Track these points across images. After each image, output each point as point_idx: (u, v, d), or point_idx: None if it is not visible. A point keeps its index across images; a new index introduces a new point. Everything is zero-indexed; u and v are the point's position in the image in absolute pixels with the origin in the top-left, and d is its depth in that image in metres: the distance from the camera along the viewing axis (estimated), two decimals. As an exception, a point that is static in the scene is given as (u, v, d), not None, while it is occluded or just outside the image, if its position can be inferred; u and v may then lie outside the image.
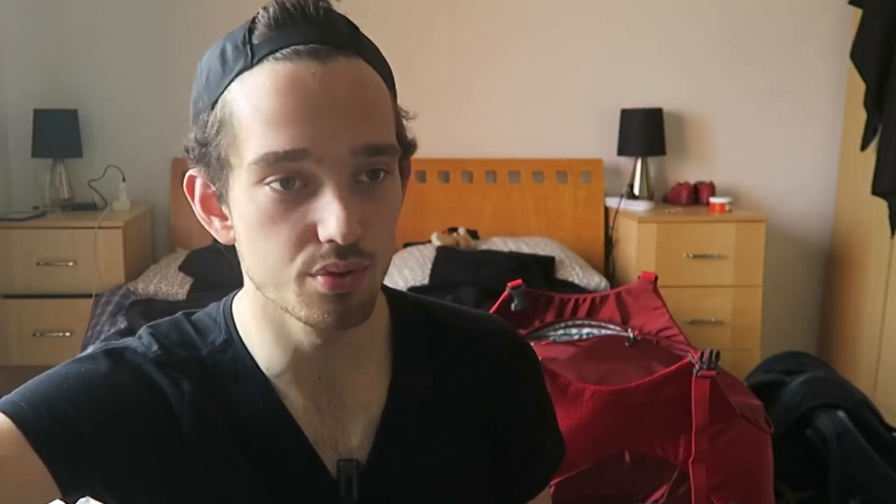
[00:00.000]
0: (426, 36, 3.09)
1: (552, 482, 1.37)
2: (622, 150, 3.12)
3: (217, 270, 2.36)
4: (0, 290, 2.68)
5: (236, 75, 0.60)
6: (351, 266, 0.60)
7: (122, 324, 2.29)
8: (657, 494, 1.45)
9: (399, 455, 0.70)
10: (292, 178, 0.59)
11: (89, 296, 2.60)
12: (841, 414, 1.85)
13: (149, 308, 2.35)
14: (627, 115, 3.07)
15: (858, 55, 2.82)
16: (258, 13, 0.61)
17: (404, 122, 0.67)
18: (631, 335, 1.76)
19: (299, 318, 0.62)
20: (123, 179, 2.91)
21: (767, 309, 2.92)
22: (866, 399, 1.96)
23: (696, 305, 2.80)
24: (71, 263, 2.67)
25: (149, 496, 0.65)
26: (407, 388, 0.72)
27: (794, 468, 1.82)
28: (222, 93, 0.61)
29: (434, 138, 3.08)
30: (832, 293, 3.21)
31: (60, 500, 0.61)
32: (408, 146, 0.67)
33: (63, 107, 2.93)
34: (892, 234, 2.71)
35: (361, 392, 0.70)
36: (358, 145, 0.59)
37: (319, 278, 0.60)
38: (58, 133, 2.89)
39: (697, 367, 1.38)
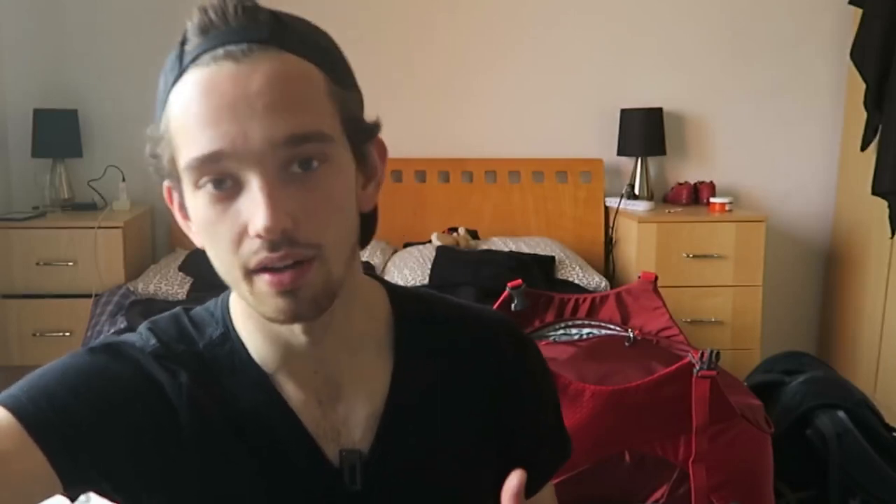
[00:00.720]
0: (426, 36, 3.09)
1: (552, 482, 1.38)
2: (622, 150, 3.12)
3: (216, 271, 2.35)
4: (0, 290, 2.68)
5: (172, 86, 0.62)
6: (289, 258, 0.60)
7: (121, 324, 2.29)
8: (657, 494, 1.45)
9: (402, 447, 0.71)
10: (224, 179, 0.60)
11: (89, 296, 2.60)
12: (841, 414, 1.85)
13: (149, 308, 2.34)
14: (627, 115, 3.07)
15: (858, 55, 2.82)
16: (187, 23, 0.62)
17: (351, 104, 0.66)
18: (631, 335, 1.76)
19: (259, 313, 0.64)
20: (123, 179, 2.91)
21: (767, 309, 2.92)
22: (866, 399, 1.96)
23: (696, 305, 2.80)
24: (71, 263, 2.67)
25: (148, 489, 0.65)
26: (410, 381, 0.72)
27: (794, 468, 1.82)
28: (165, 106, 0.63)
29: (434, 138, 3.09)
30: (832, 293, 3.21)
31: (61, 494, 0.61)
32: (366, 129, 0.67)
33: (63, 107, 2.93)
34: (892, 234, 2.71)
35: (363, 384, 0.71)
36: (276, 138, 0.59)
37: (264, 276, 0.61)
38: (58, 133, 2.89)
39: (697, 367, 1.38)
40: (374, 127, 0.68)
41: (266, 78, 0.59)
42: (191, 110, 0.60)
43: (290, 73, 0.61)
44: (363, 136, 0.67)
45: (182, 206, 0.67)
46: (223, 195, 0.60)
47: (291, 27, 0.63)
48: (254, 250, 0.60)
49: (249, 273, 0.61)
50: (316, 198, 0.61)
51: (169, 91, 0.62)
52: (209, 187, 0.60)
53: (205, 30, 0.61)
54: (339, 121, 0.63)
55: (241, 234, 0.60)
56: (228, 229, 0.60)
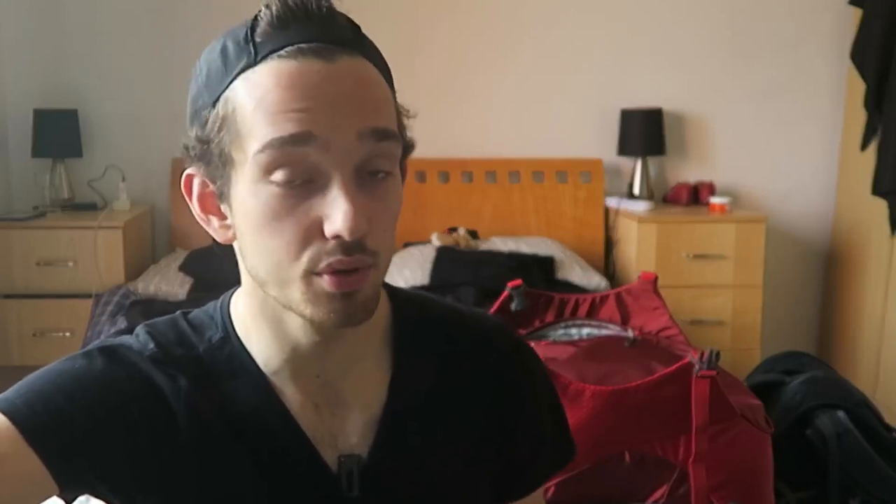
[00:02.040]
0: (426, 36, 3.09)
1: (552, 482, 1.38)
2: (622, 150, 3.12)
3: (217, 270, 2.34)
4: (0, 290, 2.68)
5: (239, 73, 0.60)
6: (357, 263, 0.60)
7: (122, 324, 2.29)
8: (657, 494, 1.45)
9: (401, 451, 0.70)
10: (297, 174, 0.59)
11: (89, 296, 2.60)
12: (841, 414, 1.85)
13: (149, 308, 2.34)
14: (627, 115, 3.07)
15: (858, 55, 2.82)
16: (260, 11, 0.61)
17: (405, 121, 0.68)
18: (631, 335, 1.76)
19: (303, 316, 0.62)
20: (123, 179, 2.91)
21: (767, 309, 2.92)
22: (866, 399, 1.96)
23: (696, 305, 2.80)
24: (71, 263, 2.67)
25: (144, 491, 0.65)
26: (408, 384, 0.72)
27: (794, 468, 1.82)
28: (224, 90, 0.61)
29: (434, 138, 3.08)
30: (832, 293, 3.21)
31: (58, 496, 0.61)
32: (407, 146, 0.68)
33: (63, 107, 2.92)
34: (892, 234, 2.71)
35: (360, 390, 0.70)
36: (364, 128, 0.59)
37: (326, 277, 0.60)
38: (58, 133, 2.89)
39: (697, 367, 1.38)
40: (412, 145, 0.69)
41: (357, 80, 0.60)
42: (272, 98, 0.58)
43: (374, 79, 0.62)
44: (405, 151, 0.67)
45: (210, 196, 0.65)
46: (294, 191, 0.59)
47: (365, 36, 0.64)
48: (326, 251, 0.59)
49: (310, 274, 0.60)
50: (381, 207, 0.62)
51: (234, 76, 0.60)
52: (280, 176, 0.59)
53: (284, 22, 0.60)
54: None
55: (311, 233, 0.59)
56: (295, 225, 0.59)
